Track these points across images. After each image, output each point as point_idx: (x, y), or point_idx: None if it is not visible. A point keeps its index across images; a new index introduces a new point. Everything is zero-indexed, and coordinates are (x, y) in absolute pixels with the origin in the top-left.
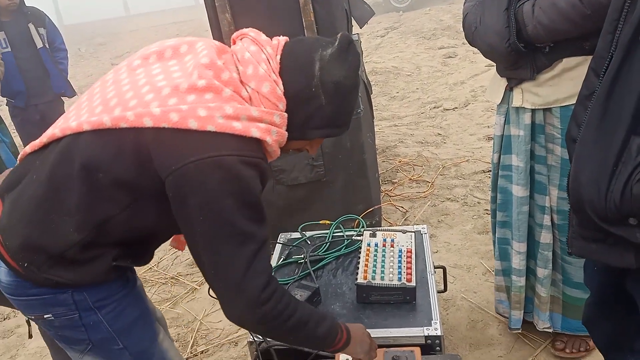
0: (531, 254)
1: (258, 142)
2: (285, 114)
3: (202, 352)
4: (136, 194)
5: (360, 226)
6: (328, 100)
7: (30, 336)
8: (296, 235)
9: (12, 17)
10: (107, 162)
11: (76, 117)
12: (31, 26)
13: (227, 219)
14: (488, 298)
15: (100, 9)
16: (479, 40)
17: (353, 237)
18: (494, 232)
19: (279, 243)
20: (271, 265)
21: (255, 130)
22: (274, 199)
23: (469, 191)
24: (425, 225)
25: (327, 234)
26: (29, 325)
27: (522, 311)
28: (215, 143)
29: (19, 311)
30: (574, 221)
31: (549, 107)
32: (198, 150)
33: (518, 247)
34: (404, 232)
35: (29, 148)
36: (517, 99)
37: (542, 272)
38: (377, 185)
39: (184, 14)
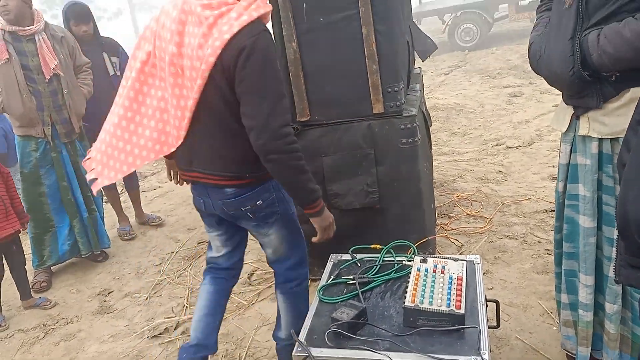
0: (600, 288)
1: (259, 19)
2: None
3: None
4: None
5: (412, 252)
6: None
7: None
8: (347, 257)
9: (89, 47)
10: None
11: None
12: (105, 55)
13: (270, 68)
14: (544, 340)
15: None
16: (544, 68)
17: (404, 262)
18: (559, 264)
19: (330, 262)
20: (290, 117)
21: (253, 12)
22: None
23: (529, 230)
24: (478, 256)
25: (378, 257)
26: None
27: (590, 348)
28: (247, 32)
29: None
30: (621, 248)
31: (617, 136)
32: (244, 37)
33: (585, 280)
34: (456, 260)
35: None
36: (583, 128)
37: (610, 307)
38: (432, 217)
39: None
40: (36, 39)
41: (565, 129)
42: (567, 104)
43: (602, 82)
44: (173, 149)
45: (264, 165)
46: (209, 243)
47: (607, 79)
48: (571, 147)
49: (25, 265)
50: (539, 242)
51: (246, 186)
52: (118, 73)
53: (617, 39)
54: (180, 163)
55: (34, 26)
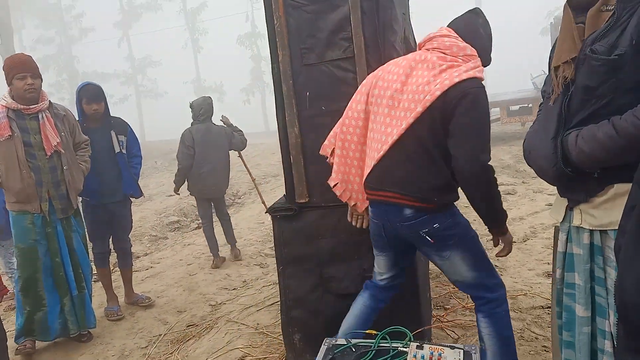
0: None
1: (480, 79)
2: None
3: None
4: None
5: (408, 339)
6: (489, 44)
7: None
8: (342, 341)
9: (98, 125)
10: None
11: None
12: (113, 133)
13: (486, 116)
14: None
15: (178, 129)
16: (532, 163)
17: (399, 349)
18: (561, 351)
19: (324, 345)
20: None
21: (477, 73)
22: (322, 307)
23: (526, 325)
24: (475, 345)
25: (373, 343)
26: None
27: None
28: (471, 83)
29: None
30: (621, 331)
31: (605, 229)
32: (470, 85)
33: None
34: (453, 348)
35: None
36: (576, 219)
37: None
38: (428, 307)
39: (253, 138)
40: (39, 117)
41: (561, 219)
42: (561, 196)
43: (587, 178)
44: (369, 170)
45: (449, 195)
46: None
47: (591, 175)
48: (567, 236)
49: (6, 341)
50: (536, 338)
51: (425, 210)
52: (124, 151)
53: (591, 140)
54: (370, 182)
55: (38, 105)
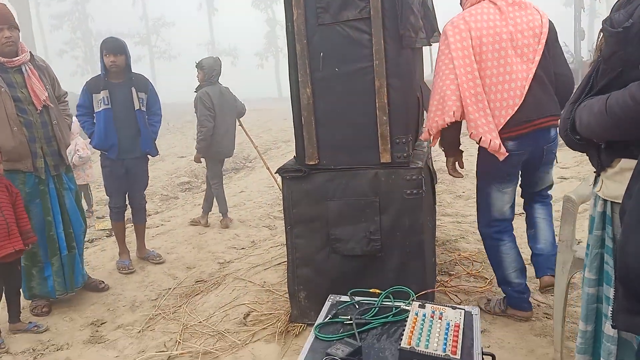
0: (598, 341)
1: None
2: None
3: None
4: None
5: (411, 298)
6: None
7: None
8: (345, 298)
9: (120, 80)
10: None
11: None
12: (133, 90)
13: None
14: None
15: (191, 92)
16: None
17: (402, 307)
18: None
19: (328, 302)
20: None
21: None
22: (328, 267)
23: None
24: (477, 307)
25: (377, 301)
26: None
27: None
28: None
29: None
30: (619, 293)
31: (614, 200)
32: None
33: (582, 327)
34: (454, 308)
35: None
36: (597, 185)
37: None
38: (433, 271)
39: (266, 103)
40: (23, 69)
41: (592, 184)
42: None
43: (599, 149)
44: (516, 108)
45: None
46: (496, 213)
47: (599, 145)
48: (594, 201)
49: (20, 287)
50: (538, 305)
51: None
52: (143, 109)
53: (589, 112)
54: (522, 117)
55: (20, 57)
